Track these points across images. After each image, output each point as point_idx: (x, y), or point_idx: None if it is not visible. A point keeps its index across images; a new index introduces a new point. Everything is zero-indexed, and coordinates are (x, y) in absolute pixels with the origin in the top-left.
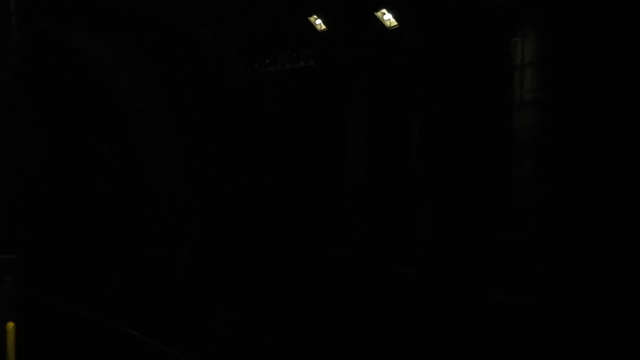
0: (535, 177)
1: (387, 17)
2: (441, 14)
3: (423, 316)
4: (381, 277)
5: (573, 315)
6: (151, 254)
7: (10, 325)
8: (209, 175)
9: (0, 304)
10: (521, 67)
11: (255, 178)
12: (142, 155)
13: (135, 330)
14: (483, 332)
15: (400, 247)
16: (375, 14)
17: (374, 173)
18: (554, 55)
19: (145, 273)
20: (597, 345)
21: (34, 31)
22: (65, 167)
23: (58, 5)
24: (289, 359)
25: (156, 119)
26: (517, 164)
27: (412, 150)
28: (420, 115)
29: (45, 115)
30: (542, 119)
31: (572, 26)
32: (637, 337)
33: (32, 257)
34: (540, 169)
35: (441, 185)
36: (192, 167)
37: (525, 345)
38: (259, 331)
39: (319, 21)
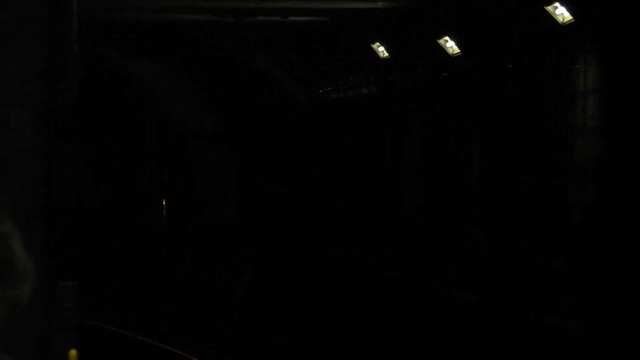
0: (595, 203)
1: (450, 45)
2: (503, 41)
3: (480, 341)
4: (437, 302)
5: (635, 341)
6: (210, 281)
7: (73, 352)
8: (266, 201)
9: (62, 331)
10: (583, 94)
11: (311, 203)
12: (199, 180)
13: (195, 357)
14: (538, 356)
15: (458, 270)
16: (437, 41)
17: (431, 196)
18: (616, 82)
19: (203, 300)
20: None
21: (93, 57)
22: (121, 191)
23: (115, 32)
24: None
25: (212, 143)
26: (577, 188)
27: (471, 174)
28: (480, 140)
29: (101, 139)
30: (604, 146)
31: (635, 53)
32: None
33: (87, 283)
34: (600, 195)
35: (501, 209)
36: (249, 192)
37: None
38: (314, 356)
39: (381, 48)
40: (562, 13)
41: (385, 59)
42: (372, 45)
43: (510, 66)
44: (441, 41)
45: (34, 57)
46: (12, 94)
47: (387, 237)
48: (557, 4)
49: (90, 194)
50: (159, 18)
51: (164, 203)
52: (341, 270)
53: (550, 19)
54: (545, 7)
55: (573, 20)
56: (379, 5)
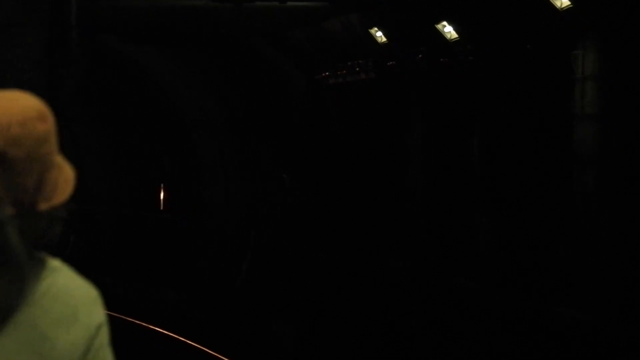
0: (595, 190)
1: (448, 30)
2: (502, 26)
3: (482, 329)
4: (442, 290)
5: (633, 329)
6: (210, 268)
7: None
8: (268, 186)
9: None
10: (582, 79)
11: (313, 188)
12: (199, 166)
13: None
14: (542, 345)
15: (461, 259)
16: (435, 26)
17: (433, 184)
18: (615, 68)
19: (203, 287)
20: None
21: (94, 44)
22: (123, 179)
23: (117, 18)
24: None
25: (216, 130)
26: (578, 176)
27: (472, 161)
28: (480, 127)
29: (104, 126)
30: (603, 132)
31: (634, 39)
32: None
33: (85, 270)
34: (600, 182)
35: (501, 196)
36: (251, 178)
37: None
38: (317, 345)
39: (379, 34)
40: None
41: (383, 44)
42: (370, 30)
43: (509, 52)
44: (439, 26)
45: (34, 44)
46: (14, 81)
47: (390, 224)
48: None
49: (92, 179)
50: (157, 4)
51: (162, 188)
52: (341, 257)
53: (549, 4)
54: None
55: (571, 6)
56: None
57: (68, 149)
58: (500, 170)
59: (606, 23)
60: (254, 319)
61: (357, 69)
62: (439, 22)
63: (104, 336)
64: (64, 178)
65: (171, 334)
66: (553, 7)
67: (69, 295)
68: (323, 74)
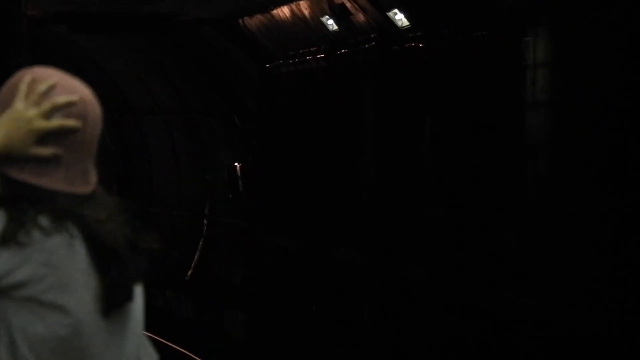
0: (547, 175)
1: (399, 17)
2: (453, 14)
3: (433, 317)
4: (394, 279)
5: (582, 316)
6: (161, 258)
7: None
8: (220, 175)
9: None
10: (533, 66)
11: (264, 177)
12: (152, 155)
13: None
14: (494, 331)
15: (414, 248)
16: (387, 14)
17: (386, 173)
18: (566, 54)
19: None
20: (601, 343)
21: (44, 34)
22: None
23: (67, 8)
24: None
25: (167, 120)
26: (530, 164)
27: (424, 149)
28: (432, 116)
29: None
30: (554, 118)
31: (585, 26)
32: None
33: None
34: (552, 167)
35: (454, 185)
36: (203, 167)
37: (535, 344)
38: (265, 332)
39: (330, 22)
40: None
41: (334, 32)
42: (320, 19)
43: (459, 39)
44: (390, 14)
45: None
46: None
47: (343, 214)
48: None
49: None
50: None
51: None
52: (293, 245)
53: None
54: None
55: None
56: None
57: None
58: (453, 158)
59: (557, 9)
60: (205, 306)
61: (308, 58)
62: (390, 9)
63: None
64: None
65: None
66: None
67: None
68: (275, 63)
